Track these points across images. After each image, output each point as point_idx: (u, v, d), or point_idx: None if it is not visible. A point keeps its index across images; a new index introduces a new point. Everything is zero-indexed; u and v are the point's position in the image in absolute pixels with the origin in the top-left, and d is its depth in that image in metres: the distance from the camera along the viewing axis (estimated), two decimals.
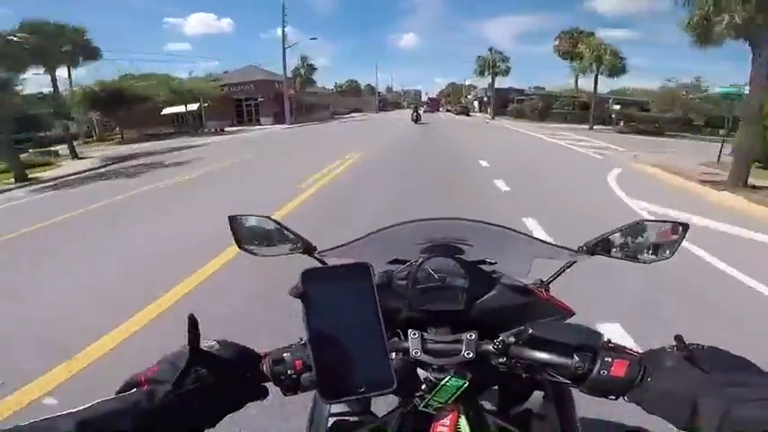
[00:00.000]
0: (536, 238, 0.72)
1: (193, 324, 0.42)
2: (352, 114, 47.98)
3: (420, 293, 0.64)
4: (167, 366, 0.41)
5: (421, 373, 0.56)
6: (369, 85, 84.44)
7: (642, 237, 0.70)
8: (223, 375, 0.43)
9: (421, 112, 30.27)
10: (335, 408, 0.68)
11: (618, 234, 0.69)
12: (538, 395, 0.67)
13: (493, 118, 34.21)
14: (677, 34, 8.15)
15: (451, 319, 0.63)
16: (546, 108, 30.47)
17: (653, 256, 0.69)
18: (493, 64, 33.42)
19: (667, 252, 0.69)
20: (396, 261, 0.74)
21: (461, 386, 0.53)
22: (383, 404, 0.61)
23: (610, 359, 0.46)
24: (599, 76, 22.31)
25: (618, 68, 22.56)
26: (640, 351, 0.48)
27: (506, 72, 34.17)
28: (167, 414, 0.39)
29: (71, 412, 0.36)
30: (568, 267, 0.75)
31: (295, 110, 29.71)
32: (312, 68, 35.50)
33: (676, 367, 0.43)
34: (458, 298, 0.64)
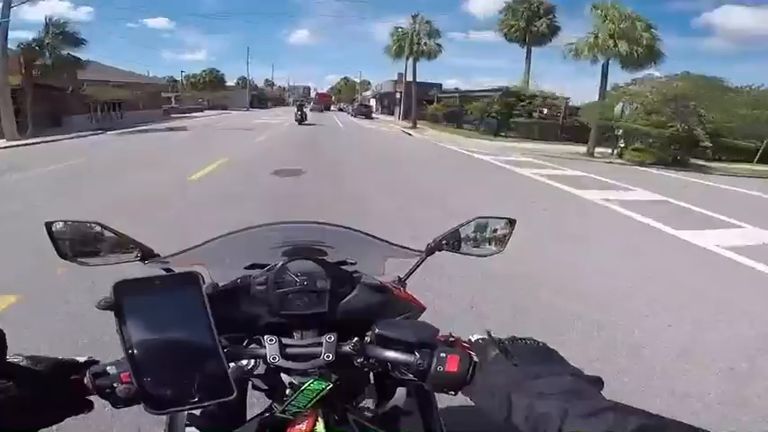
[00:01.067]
0: (388, 242, 0.74)
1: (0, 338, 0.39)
2: (207, 113, 36.11)
3: (282, 297, 0.64)
4: None
5: (287, 378, 0.57)
6: (243, 77, 69.63)
7: (477, 232, 0.81)
8: (33, 389, 0.42)
9: (307, 110, 26.07)
10: (205, 420, 0.66)
11: (459, 231, 0.79)
12: (401, 392, 0.71)
13: (414, 125, 24.67)
14: None
15: (316, 321, 0.64)
16: (458, 114, 23.88)
17: (489, 249, 0.81)
18: (416, 39, 21.27)
19: (501, 244, 0.82)
20: (254, 266, 0.72)
21: (322, 389, 0.54)
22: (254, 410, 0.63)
23: (444, 354, 0.49)
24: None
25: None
26: (473, 340, 0.52)
27: (435, 54, 23.03)
28: None
29: None
30: (421, 263, 0.83)
31: (30, 110, 14.87)
32: (77, 40, 16.29)
33: (494, 362, 0.47)
34: (320, 300, 0.65)
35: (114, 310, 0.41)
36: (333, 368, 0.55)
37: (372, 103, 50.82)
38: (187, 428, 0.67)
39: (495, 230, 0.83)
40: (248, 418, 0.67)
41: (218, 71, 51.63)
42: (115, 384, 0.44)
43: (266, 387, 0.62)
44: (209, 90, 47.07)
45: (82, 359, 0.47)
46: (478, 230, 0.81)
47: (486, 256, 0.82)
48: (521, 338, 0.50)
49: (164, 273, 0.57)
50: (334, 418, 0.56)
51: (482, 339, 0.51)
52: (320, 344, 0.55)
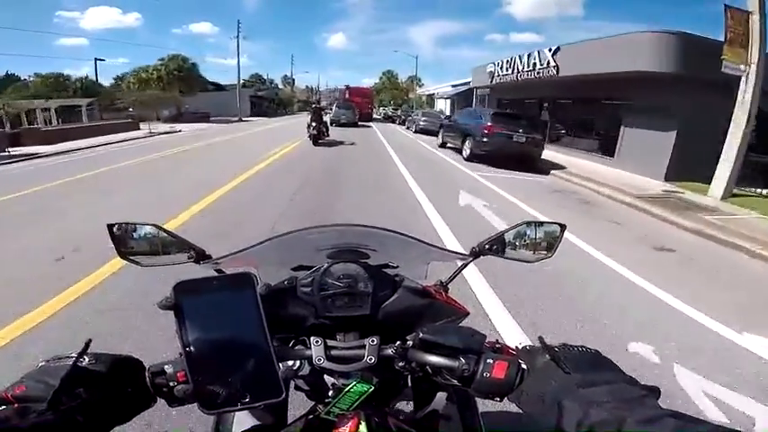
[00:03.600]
0: (432, 245, 0.79)
1: (87, 345, 0.47)
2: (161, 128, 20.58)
3: (326, 299, 0.70)
4: (38, 384, 0.44)
5: (330, 379, 0.62)
6: (257, 74, 63.23)
7: (525, 236, 0.83)
8: (103, 390, 0.46)
9: (327, 119, 17.16)
10: (245, 421, 0.71)
11: (504, 235, 0.82)
12: (441, 396, 0.74)
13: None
14: None
15: (359, 323, 0.70)
16: None
17: (536, 255, 0.83)
18: None
19: (549, 250, 0.83)
20: (301, 267, 0.80)
21: (366, 391, 0.59)
22: (295, 412, 0.66)
23: (491, 361, 0.51)
24: None
25: None
26: (520, 347, 0.55)
27: None
28: (43, 431, 0.41)
29: None
30: (464, 268, 0.89)
31: None
32: None
33: (545, 369, 0.48)
34: (363, 303, 0.71)
35: (174, 310, 0.45)
36: (373, 371, 0.60)
37: (445, 107, 34.03)
38: (234, 428, 0.71)
39: (545, 235, 0.84)
40: (289, 418, 0.72)
41: (187, 59, 33.42)
42: (172, 383, 0.48)
43: (308, 388, 0.66)
44: (185, 89, 31.26)
45: (136, 356, 0.51)
46: (527, 235, 0.84)
47: (533, 261, 0.84)
48: (572, 346, 0.52)
49: (217, 274, 0.63)
50: (375, 421, 0.57)
51: (529, 347, 0.55)
52: (363, 346, 0.60)
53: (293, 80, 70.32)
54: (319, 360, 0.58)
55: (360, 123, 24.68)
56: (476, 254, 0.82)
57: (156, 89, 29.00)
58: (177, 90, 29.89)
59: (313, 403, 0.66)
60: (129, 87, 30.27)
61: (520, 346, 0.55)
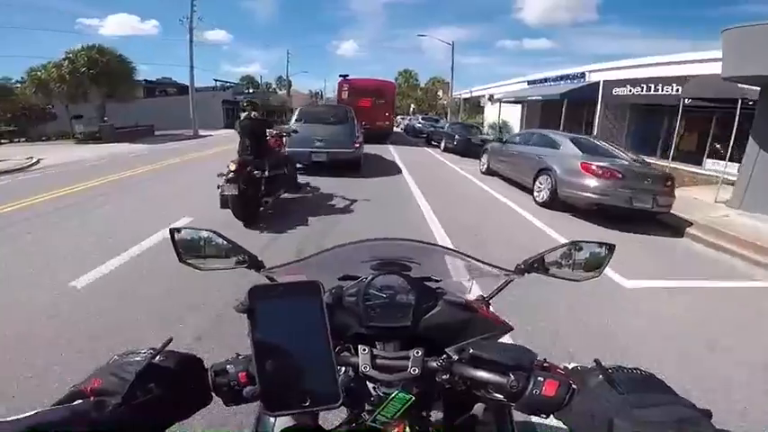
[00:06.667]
0: (477, 259, 0.89)
1: (166, 343, 0.53)
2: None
3: (369, 310, 0.78)
4: (113, 378, 0.49)
5: (369, 387, 0.70)
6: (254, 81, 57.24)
7: (573, 255, 0.87)
8: (170, 386, 0.50)
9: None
10: (281, 421, 0.78)
11: (552, 254, 0.87)
12: (479, 407, 0.81)
13: None
14: None
15: (399, 334, 0.77)
16: None
17: (584, 274, 0.87)
18: None
19: (596, 270, 0.88)
20: (346, 277, 0.90)
21: (408, 401, 0.64)
22: (330, 418, 0.73)
23: (542, 379, 0.55)
24: None
25: None
26: (569, 367, 0.60)
27: None
28: (117, 425, 0.45)
29: (17, 419, 0.41)
30: (507, 284, 0.95)
31: None
32: None
33: (597, 389, 0.52)
34: (405, 314, 0.78)
35: (248, 313, 0.49)
36: (414, 381, 0.67)
37: (514, 118, 23.80)
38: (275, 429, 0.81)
39: (591, 255, 0.88)
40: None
41: (108, 51, 21.79)
42: (233, 383, 0.53)
43: (346, 394, 0.69)
44: (110, 91, 21.41)
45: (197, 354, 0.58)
46: (573, 254, 0.88)
47: (579, 281, 0.90)
48: (626, 368, 0.57)
49: (274, 280, 0.77)
50: (416, 429, 0.66)
51: (580, 367, 0.61)
52: (407, 357, 0.66)
53: (289, 82, 57.58)
54: (365, 368, 0.64)
55: (366, 152, 12.20)
56: (521, 270, 0.88)
57: (60, 93, 20.97)
58: (100, 93, 21.19)
59: (347, 409, 0.75)
60: (25, 92, 22.50)
61: (569, 366, 0.61)
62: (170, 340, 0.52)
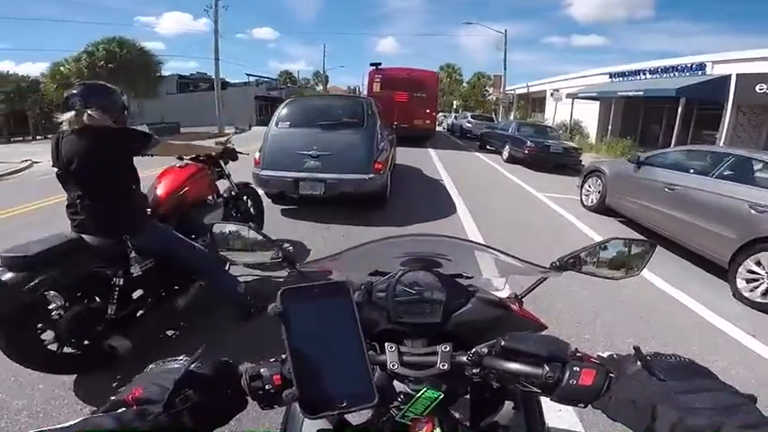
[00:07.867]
0: (511, 255, 0.92)
1: (201, 351, 0.57)
2: None
3: (398, 306, 0.80)
4: (153, 387, 0.52)
5: (396, 384, 0.72)
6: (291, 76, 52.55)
7: (611, 253, 0.87)
8: (208, 393, 0.53)
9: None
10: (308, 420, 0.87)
11: (588, 251, 0.89)
12: (508, 405, 0.84)
13: None
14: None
15: (428, 331, 0.80)
16: None
17: (622, 273, 0.89)
18: None
19: (636, 269, 0.89)
20: (376, 273, 0.93)
21: (437, 398, 0.66)
22: (357, 415, 0.73)
23: (578, 369, 0.57)
24: None
25: None
26: (604, 356, 0.62)
27: None
28: None
29: (64, 427, 0.43)
30: (541, 282, 0.99)
31: None
32: None
33: (637, 376, 0.54)
34: (435, 311, 0.80)
35: (282, 316, 0.51)
36: (442, 377, 0.69)
37: (583, 113, 19.67)
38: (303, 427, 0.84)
39: (632, 252, 0.89)
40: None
41: (129, 43, 20.53)
42: (267, 386, 0.55)
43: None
44: (130, 86, 18.77)
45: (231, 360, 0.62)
46: (612, 252, 0.89)
47: (616, 279, 0.92)
48: (665, 354, 0.59)
49: (301, 275, 0.83)
50: (447, 426, 0.66)
51: (617, 355, 0.63)
52: (435, 353, 0.68)
53: (326, 77, 55.95)
54: (393, 365, 0.67)
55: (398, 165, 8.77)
56: (557, 268, 0.91)
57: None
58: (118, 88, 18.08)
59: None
60: (49, 88, 21.11)
61: (604, 355, 0.63)
62: (204, 348, 0.55)
